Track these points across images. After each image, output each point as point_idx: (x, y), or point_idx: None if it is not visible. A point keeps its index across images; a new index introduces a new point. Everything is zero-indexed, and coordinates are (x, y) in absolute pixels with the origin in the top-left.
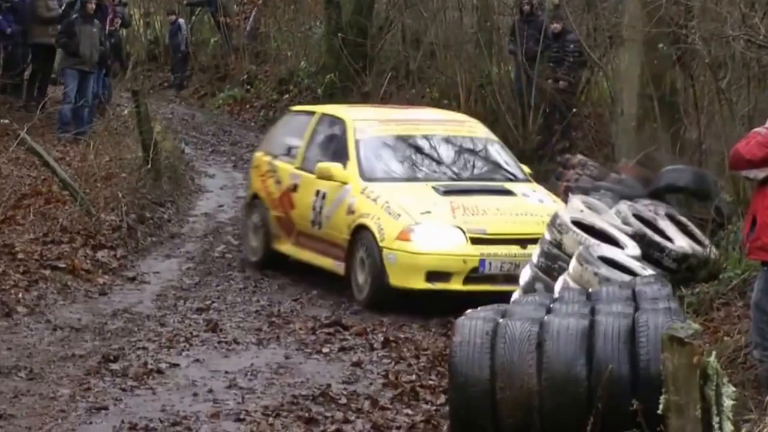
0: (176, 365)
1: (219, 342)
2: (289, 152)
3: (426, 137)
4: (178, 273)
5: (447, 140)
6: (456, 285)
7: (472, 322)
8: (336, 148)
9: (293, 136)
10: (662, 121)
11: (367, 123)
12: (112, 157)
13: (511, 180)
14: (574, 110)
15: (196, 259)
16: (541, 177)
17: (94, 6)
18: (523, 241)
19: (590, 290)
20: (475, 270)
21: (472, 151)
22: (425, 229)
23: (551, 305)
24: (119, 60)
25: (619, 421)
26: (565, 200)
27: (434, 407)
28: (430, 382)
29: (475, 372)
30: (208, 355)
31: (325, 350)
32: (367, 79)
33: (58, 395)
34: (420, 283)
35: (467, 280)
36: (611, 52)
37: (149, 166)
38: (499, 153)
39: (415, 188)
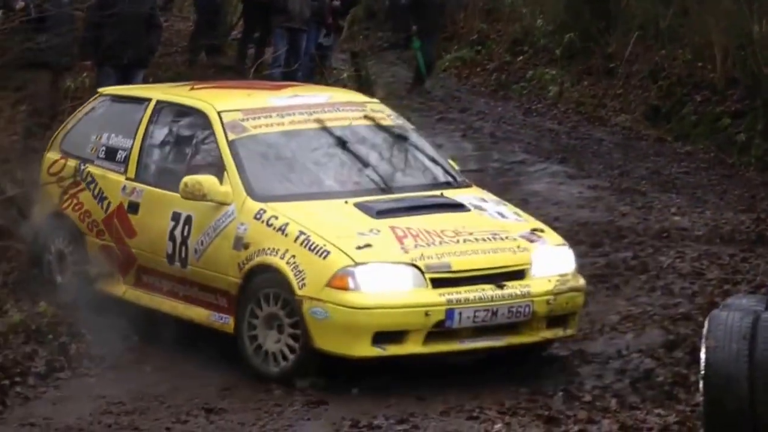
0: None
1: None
2: (110, 156)
3: (323, 132)
4: None
5: (353, 132)
6: (414, 347)
7: (729, 320)
8: (197, 152)
9: (114, 133)
10: None
11: (237, 115)
12: None
13: (448, 185)
14: None
15: None
16: None
17: None
18: (498, 277)
19: None
20: (440, 324)
21: (384, 147)
22: (370, 270)
23: None
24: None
25: None
26: None
27: (689, 407)
28: (690, 378)
29: (732, 383)
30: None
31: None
32: (610, 38)
33: (273, 389)
34: (365, 348)
35: (429, 338)
36: None
37: None
38: (421, 147)
39: (334, 208)
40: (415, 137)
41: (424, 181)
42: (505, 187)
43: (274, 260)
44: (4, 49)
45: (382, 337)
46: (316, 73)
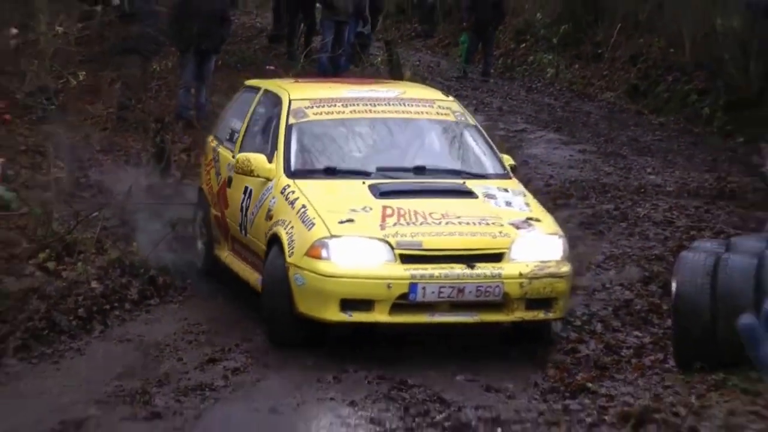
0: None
1: None
2: (230, 137)
3: (379, 122)
4: None
5: (407, 125)
6: (379, 316)
7: (695, 259)
8: (270, 133)
9: (237, 117)
10: None
11: (305, 103)
12: None
13: (479, 176)
14: None
15: None
16: (760, 122)
17: None
18: (471, 259)
19: None
20: (404, 296)
21: (436, 139)
22: (341, 243)
23: None
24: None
25: None
26: None
27: (662, 330)
28: (662, 307)
29: (697, 312)
30: None
31: None
32: (598, 29)
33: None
34: (334, 314)
35: (395, 309)
36: None
37: None
38: (475, 140)
39: (347, 188)
40: (468, 132)
41: (458, 169)
42: (509, 152)
43: (280, 230)
44: (103, 38)
45: (349, 305)
46: (355, 58)
